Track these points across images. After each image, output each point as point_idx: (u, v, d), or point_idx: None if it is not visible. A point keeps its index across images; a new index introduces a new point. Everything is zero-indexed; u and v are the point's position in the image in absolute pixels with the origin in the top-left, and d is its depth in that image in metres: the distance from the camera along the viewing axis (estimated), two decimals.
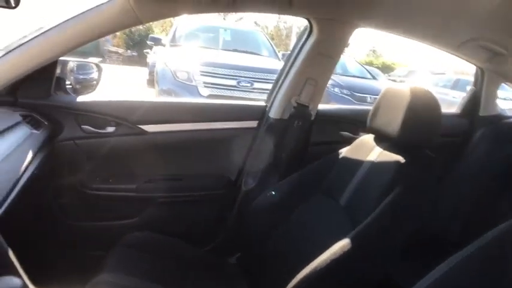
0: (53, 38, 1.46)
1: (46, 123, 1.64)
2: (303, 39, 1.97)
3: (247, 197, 1.92)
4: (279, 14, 1.86)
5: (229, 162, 2.06)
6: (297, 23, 17.80)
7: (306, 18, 1.88)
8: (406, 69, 18.40)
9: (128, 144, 1.85)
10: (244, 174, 2.03)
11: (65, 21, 1.46)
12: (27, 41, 1.47)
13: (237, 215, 2.00)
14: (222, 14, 13.08)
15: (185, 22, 6.81)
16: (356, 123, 2.15)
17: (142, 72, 11.07)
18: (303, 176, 1.64)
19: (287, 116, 2.00)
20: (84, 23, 1.44)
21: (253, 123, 2.06)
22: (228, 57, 6.21)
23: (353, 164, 1.51)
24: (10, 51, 1.49)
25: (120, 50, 16.38)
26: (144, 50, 12.63)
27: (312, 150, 2.04)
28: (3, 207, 0.99)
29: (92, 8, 1.44)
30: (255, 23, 19.00)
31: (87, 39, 1.47)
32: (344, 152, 1.62)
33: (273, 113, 2.02)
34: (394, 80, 14.55)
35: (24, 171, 1.22)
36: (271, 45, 7.37)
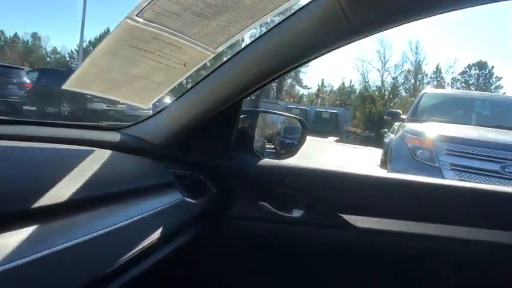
0: (232, 69, 1.07)
1: (214, 190, 1.20)
2: None
3: None
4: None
5: None
6: None
7: None
8: None
9: (320, 242, 1.20)
10: None
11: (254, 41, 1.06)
12: (205, 77, 1.13)
13: None
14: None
15: (431, 93, 5.96)
16: None
17: (376, 153, 10.73)
18: None
19: None
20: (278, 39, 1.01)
21: None
22: (488, 134, 4.89)
23: None
24: (184, 93, 1.18)
25: (358, 130, 16.74)
26: (382, 130, 12.42)
27: None
28: None
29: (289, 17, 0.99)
30: None
31: (284, 62, 1.04)
32: None
33: None
34: None
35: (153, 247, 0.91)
36: None
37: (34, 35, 43.05)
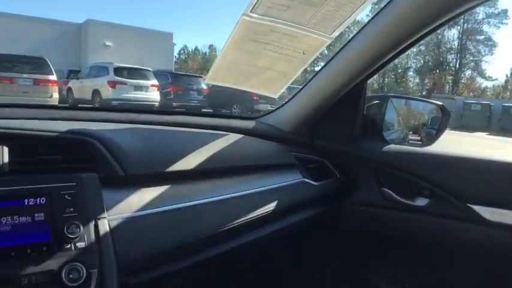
0: (351, 51, 1.10)
1: (338, 175, 1.25)
2: None
3: None
4: None
5: None
6: None
7: None
8: None
9: (444, 233, 1.12)
10: None
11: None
12: (326, 64, 1.19)
13: None
14: None
15: None
16: None
17: None
18: None
19: None
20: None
21: None
22: None
23: None
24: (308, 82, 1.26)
25: None
26: None
27: None
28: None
29: None
30: None
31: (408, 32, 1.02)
32: None
33: None
34: None
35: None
36: None
37: (210, 47, 49.51)
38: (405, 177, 1.17)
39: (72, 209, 0.75)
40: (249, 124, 1.34)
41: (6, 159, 0.78)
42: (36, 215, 0.73)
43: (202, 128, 1.22)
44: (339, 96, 1.19)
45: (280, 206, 1.07)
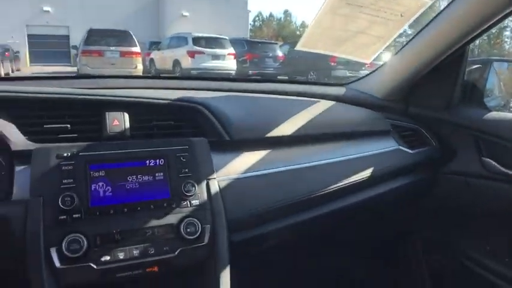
0: (451, 14, 1.05)
1: (434, 143, 1.22)
2: None
3: None
4: None
5: None
6: None
7: None
8: None
9: None
10: None
11: None
12: (423, 28, 1.15)
13: None
14: None
15: None
16: None
17: None
18: None
19: None
20: None
21: None
22: None
23: None
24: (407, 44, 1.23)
25: None
26: None
27: None
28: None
29: None
30: None
31: None
32: None
33: None
34: None
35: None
36: None
37: (285, 12, 48.76)
38: (509, 146, 1.10)
39: (186, 170, 0.84)
40: (339, 91, 1.34)
41: (127, 124, 0.89)
42: (156, 174, 0.83)
43: (293, 95, 1.25)
44: (439, 61, 1.14)
45: (375, 174, 1.08)
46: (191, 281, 0.87)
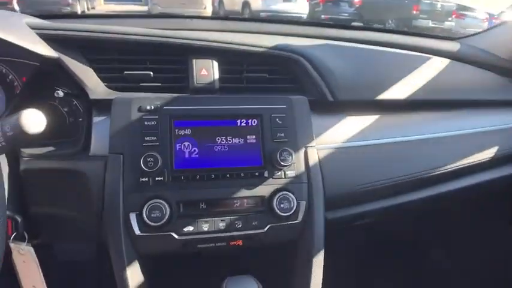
0: None
1: None
2: None
3: None
4: None
5: None
6: None
7: None
8: None
9: None
10: None
11: None
12: None
13: None
14: None
15: None
16: None
17: None
18: None
19: None
20: None
21: None
22: None
23: None
24: None
25: None
26: None
27: None
28: None
29: None
30: None
31: None
32: None
33: None
34: None
35: None
36: None
37: None
38: None
39: (283, 135, 0.72)
40: (453, 46, 1.11)
41: (216, 75, 0.76)
42: (248, 137, 0.71)
43: (399, 48, 1.05)
44: None
45: (499, 153, 0.89)
46: (276, 260, 0.78)
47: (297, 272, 0.74)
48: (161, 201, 0.64)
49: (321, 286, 0.72)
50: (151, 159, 0.64)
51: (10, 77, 0.86)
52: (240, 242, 0.70)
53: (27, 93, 0.75)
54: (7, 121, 0.50)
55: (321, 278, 0.72)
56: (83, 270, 1.18)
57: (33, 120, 0.51)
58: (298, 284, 0.73)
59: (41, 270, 0.69)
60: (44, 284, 0.69)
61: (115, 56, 0.75)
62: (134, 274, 0.66)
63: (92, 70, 0.73)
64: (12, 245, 0.66)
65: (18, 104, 0.72)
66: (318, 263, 0.72)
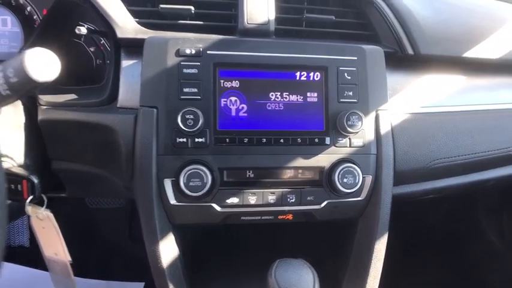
0: None
1: None
2: None
3: None
4: None
5: None
6: None
7: None
8: None
9: None
10: None
11: None
12: None
13: None
14: None
15: None
16: None
17: None
18: None
19: None
20: None
21: None
22: None
23: None
24: None
25: None
26: None
27: None
28: None
29: None
30: None
31: None
32: None
33: None
34: None
35: None
36: None
37: None
38: None
39: (351, 93, 0.59)
40: None
41: (272, 14, 0.63)
42: (308, 94, 0.59)
43: None
44: None
45: None
46: (328, 241, 0.69)
47: (353, 257, 0.65)
48: (202, 167, 0.54)
49: (379, 276, 0.62)
50: (191, 116, 0.53)
51: (29, 8, 0.76)
52: (290, 217, 0.61)
53: (48, 29, 0.64)
54: (10, 63, 0.40)
55: (381, 266, 0.62)
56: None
57: (42, 64, 0.40)
58: (353, 271, 0.64)
59: (61, 236, 0.62)
60: (66, 250, 0.62)
61: None
62: (167, 248, 0.58)
63: (121, 2, 0.60)
64: (29, 208, 0.58)
65: (37, 40, 0.62)
66: (380, 248, 0.62)
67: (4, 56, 0.76)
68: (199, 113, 0.54)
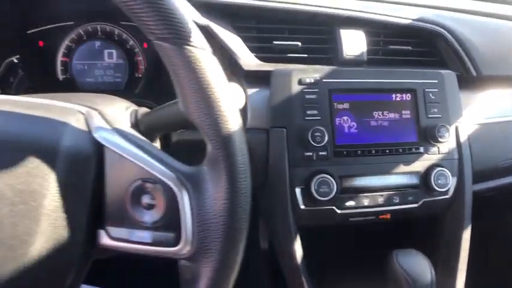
0: None
1: None
2: None
3: None
4: None
5: None
6: None
7: None
8: None
9: None
10: None
11: None
12: None
13: None
14: None
15: None
16: None
17: None
18: None
19: None
20: None
21: None
22: None
23: None
24: None
25: None
26: None
27: None
28: None
29: None
30: None
31: None
32: None
33: None
34: None
35: None
36: None
37: None
38: None
39: (436, 110, 0.72)
40: None
41: (364, 46, 0.75)
42: (403, 112, 0.72)
43: None
44: None
45: None
46: (420, 235, 0.81)
47: (442, 246, 0.77)
48: (327, 176, 0.65)
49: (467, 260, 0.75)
50: (319, 133, 0.65)
51: (131, 42, 0.85)
52: (388, 216, 0.72)
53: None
54: None
55: (468, 252, 0.75)
56: None
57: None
58: (445, 258, 0.76)
59: None
60: None
61: (265, 25, 0.74)
62: (298, 247, 0.68)
63: (240, 39, 0.71)
64: None
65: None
66: (466, 236, 0.75)
67: (109, 86, 0.85)
68: (325, 130, 0.65)
